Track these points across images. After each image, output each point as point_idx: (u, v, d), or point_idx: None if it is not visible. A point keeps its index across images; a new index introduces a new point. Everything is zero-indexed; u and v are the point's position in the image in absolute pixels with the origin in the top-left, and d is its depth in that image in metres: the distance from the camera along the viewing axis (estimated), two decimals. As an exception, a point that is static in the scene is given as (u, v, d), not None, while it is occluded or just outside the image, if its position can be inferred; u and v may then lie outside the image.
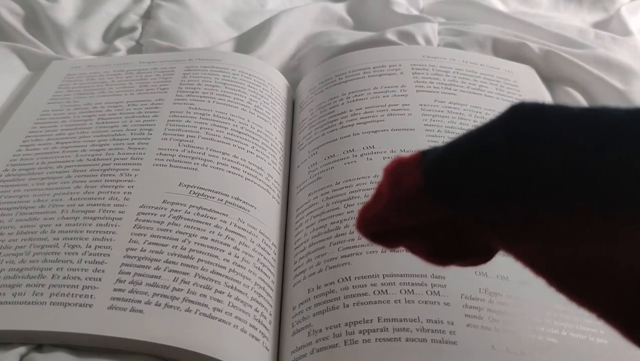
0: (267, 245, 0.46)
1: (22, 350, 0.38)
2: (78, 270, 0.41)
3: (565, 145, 0.22)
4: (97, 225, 0.44)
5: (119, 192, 0.47)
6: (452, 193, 0.25)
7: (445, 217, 0.26)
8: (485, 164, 0.24)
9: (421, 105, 0.55)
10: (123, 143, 0.52)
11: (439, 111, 0.55)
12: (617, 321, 0.23)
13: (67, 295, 0.40)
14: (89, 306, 0.39)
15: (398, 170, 0.27)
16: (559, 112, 0.23)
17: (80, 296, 0.40)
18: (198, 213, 0.45)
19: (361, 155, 0.51)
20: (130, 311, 0.39)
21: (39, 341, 0.39)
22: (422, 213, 0.26)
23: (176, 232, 0.44)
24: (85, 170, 0.50)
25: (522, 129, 0.23)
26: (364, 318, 0.39)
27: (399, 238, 0.29)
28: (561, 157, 0.22)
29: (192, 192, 0.47)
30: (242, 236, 0.45)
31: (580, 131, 0.22)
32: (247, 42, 0.71)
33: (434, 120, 0.54)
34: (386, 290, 0.40)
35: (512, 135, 0.23)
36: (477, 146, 0.24)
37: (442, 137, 0.51)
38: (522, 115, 0.24)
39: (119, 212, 0.45)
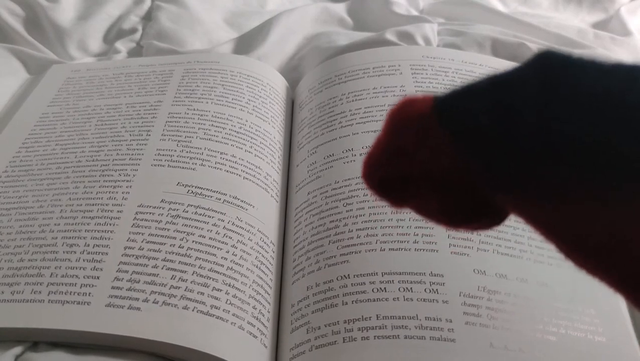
0: (265, 243, 0.46)
1: (17, 350, 0.39)
2: (76, 268, 0.41)
3: (599, 97, 0.20)
4: (95, 224, 0.45)
5: (117, 192, 0.47)
6: (468, 137, 0.23)
7: (455, 166, 0.23)
8: (509, 111, 0.22)
9: (420, 104, 0.55)
10: (122, 145, 0.52)
11: (438, 111, 0.55)
12: (633, 290, 0.22)
13: (65, 293, 0.40)
14: (87, 303, 0.39)
15: (406, 110, 0.25)
16: (591, 64, 0.21)
17: (78, 294, 0.40)
18: (196, 212, 0.45)
19: (360, 155, 0.51)
20: (128, 308, 0.39)
21: (37, 339, 0.39)
22: (430, 151, 0.24)
23: (174, 231, 0.44)
24: (84, 171, 0.50)
25: (552, 77, 0.21)
26: (362, 316, 0.39)
27: (407, 195, 0.26)
28: (595, 108, 0.20)
29: (190, 191, 0.47)
30: (240, 234, 0.45)
31: (614, 84, 0.20)
32: (247, 42, 0.71)
33: (433, 120, 0.53)
34: (385, 288, 0.40)
35: (542, 81, 0.22)
36: (501, 91, 0.23)
37: (441, 136, 0.51)
38: (552, 64, 0.22)
39: (117, 211, 0.45)
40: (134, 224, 0.44)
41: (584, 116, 0.21)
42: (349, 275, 0.42)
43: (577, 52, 0.66)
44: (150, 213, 0.45)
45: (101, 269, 0.41)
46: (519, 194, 0.23)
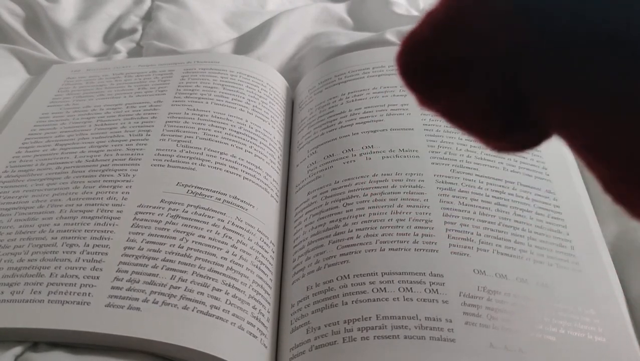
0: (265, 243, 0.46)
1: (17, 350, 0.39)
2: (76, 268, 0.42)
3: None
4: (95, 224, 0.45)
5: (117, 192, 0.47)
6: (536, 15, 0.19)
7: (511, 52, 0.20)
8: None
9: (420, 104, 0.55)
10: (121, 145, 0.52)
11: (438, 111, 0.55)
12: None
13: (65, 293, 0.40)
14: (87, 304, 0.39)
15: None
16: None
17: (78, 294, 0.40)
18: (196, 212, 0.45)
19: (360, 155, 0.51)
20: (127, 308, 0.39)
21: (37, 339, 0.39)
22: (491, 25, 0.20)
23: (174, 231, 0.44)
24: (83, 171, 0.50)
25: None
26: (362, 316, 0.39)
27: (443, 90, 0.22)
28: None
29: (189, 191, 0.47)
30: (240, 234, 0.45)
31: None
32: (247, 42, 0.71)
33: (432, 120, 0.53)
34: (385, 288, 0.40)
35: None
36: None
37: (441, 136, 0.51)
38: None
39: (117, 211, 0.45)
40: (133, 224, 0.44)
41: None
42: (349, 275, 0.42)
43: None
44: (150, 213, 0.45)
45: (101, 269, 0.41)
46: (572, 97, 0.19)
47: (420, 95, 0.23)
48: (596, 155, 0.20)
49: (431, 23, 0.21)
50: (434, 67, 0.22)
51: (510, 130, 0.22)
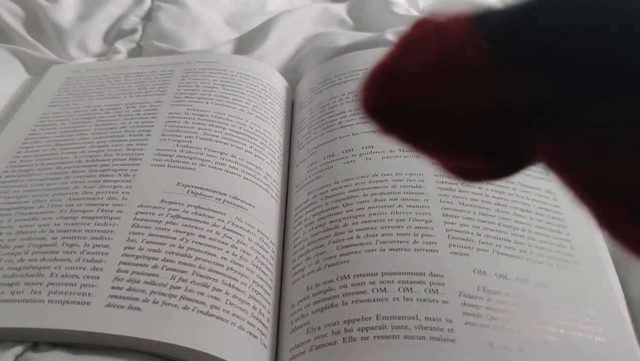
0: (265, 243, 0.46)
1: (17, 350, 0.39)
2: (76, 268, 0.41)
3: None
4: (95, 224, 0.45)
5: (117, 192, 0.47)
6: (529, 57, 0.19)
7: (506, 87, 0.19)
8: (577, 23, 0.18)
9: (420, 104, 0.55)
10: (122, 145, 0.52)
11: (438, 110, 0.55)
12: None
13: (65, 293, 0.40)
14: (87, 304, 0.39)
15: (438, 20, 0.20)
16: None
17: (78, 294, 0.40)
18: (196, 212, 0.45)
19: (360, 155, 0.51)
20: (128, 308, 0.39)
21: (37, 339, 0.39)
22: (484, 81, 0.20)
23: (174, 231, 0.44)
24: (84, 171, 0.50)
25: None
26: (362, 316, 0.39)
27: (409, 125, 0.21)
28: None
29: (190, 192, 0.47)
30: (240, 234, 0.45)
31: None
32: (247, 43, 0.71)
33: (432, 120, 0.53)
34: (385, 288, 0.40)
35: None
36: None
37: (441, 136, 0.51)
38: None
39: (117, 211, 0.45)
40: (134, 224, 0.44)
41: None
42: (349, 275, 0.42)
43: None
44: (150, 213, 0.45)
45: (101, 269, 0.41)
46: (565, 132, 0.19)
47: (379, 128, 0.22)
48: (589, 188, 0.19)
49: (417, 65, 0.20)
50: (409, 110, 0.21)
51: (484, 160, 0.22)
